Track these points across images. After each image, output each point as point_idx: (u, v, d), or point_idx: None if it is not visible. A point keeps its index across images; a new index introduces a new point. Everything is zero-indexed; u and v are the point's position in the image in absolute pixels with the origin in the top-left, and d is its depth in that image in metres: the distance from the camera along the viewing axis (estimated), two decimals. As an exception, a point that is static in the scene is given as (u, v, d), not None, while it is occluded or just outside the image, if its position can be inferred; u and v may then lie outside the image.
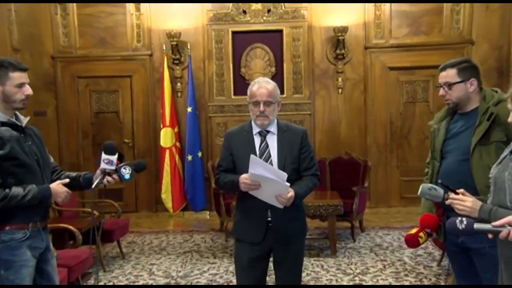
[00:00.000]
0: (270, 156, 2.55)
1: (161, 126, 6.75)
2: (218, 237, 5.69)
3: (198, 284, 4.17)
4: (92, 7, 6.99)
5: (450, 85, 2.33)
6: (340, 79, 6.96)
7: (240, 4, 6.87)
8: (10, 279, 2.25)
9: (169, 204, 6.77)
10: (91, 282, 4.18)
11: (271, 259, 2.65)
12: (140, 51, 7.07)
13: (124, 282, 4.27)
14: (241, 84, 7.00)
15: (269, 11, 6.88)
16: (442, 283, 4.06)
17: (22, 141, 2.33)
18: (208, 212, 6.87)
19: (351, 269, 4.44)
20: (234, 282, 2.74)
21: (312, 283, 4.11)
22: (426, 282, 4.08)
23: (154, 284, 4.21)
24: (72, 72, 7.08)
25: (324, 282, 4.14)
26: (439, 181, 2.13)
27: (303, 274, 4.18)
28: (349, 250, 5.03)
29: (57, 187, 2.37)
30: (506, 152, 1.92)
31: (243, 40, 6.98)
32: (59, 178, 2.48)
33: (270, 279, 3.25)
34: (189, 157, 6.62)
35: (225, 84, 7.00)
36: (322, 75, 7.02)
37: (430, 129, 2.52)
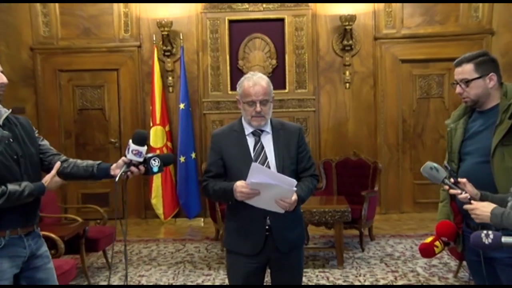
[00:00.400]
0: (266, 158, 2.54)
1: (151, 124, 6.75)
2: (214, 246, 5.69)
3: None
4: (75, -7, 7.00)
5: (467, 82, 2.33)
6: (347, 73, 6.97)
7: (237, -10, 6.91)
8: None
9: (159, 210, 6.78)
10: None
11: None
12: (127, 42, 7.07)
13: (111, 296, 4.26)
14: (239, 78, 6.97)
15: (269, -2, 6.91)
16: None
17: None
18: (202, 219, 6.88)
19: (359, 281, 4.45)
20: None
21: (317, 296, 4.11)
22: (441, 296, 4.08)
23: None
24: (53, 65, 7.08)
25: (330, 295, 4.14)
26: (446, 163, 2.19)
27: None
28: (357, 260, 5.04)
29: (51, 181, 2.38)
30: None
31: (240, 30, 6.99)
32: (63, 166, 2.48)
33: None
34: (182, 159, 6.62)
35: (221, 78, 7.00)
36: (328, 68, 7.03)
37: (446, 129, 2.52)
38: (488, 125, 2.33)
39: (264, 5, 6.90)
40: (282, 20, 6.95)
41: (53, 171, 2.40)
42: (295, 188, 2.39)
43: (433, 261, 4.90)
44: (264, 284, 2.66)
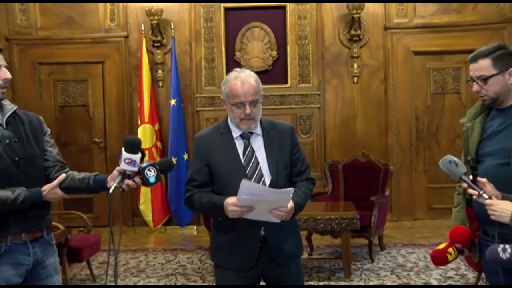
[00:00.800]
0: (258, 163, 2.52)
1: (139, 122, 6.77)
2: (208, 257, 5.71)
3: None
4: (55, -22, 7.01)
5: (485, 79, 2.32)
6: (355, 66, 6.98)
7: (234, -25, 6.92)
8: None
9: (148, 217, 6.79)
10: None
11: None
12: (113, 32, 7.08)
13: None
14: (236, 72, 7.02)
15: (269, -17, 6.93)
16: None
17: None
18: (195, 227, 6.89)
19: (368, 294, 4.46)
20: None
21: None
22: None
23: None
24: (32, 57, 7.09)
25: (336, 310, 4.15)
26: (468, 158, 2.23)
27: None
28: (366, 272, 5.05)
29: (50, 191, 2.40)
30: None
31: (238, 18, 7.01)
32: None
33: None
34: (173, 160, 6.63)
35: (216, 72, 7.01)
36: (334, 61, 7.05)
37: (462, 128, 2.53)
38: (508, 124, 2.34)
39: (264, -9, 6.93)
40: (283, 7, 6.96)
41: (55, 182, 2.42)
42: (291, 195, 2.39)
43: (449, 272, 4.92)
44: None
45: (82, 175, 2.51)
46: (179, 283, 4.89)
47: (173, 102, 6.68)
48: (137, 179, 2.31)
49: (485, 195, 2.13)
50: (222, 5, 6.93)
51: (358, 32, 6.87)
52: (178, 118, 6.70)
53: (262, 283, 2.64)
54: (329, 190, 6.02)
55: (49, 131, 2.61)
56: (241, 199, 2.35)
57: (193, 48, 7.03)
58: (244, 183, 2.33)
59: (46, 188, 2.40)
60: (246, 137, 2.56)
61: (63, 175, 2.44)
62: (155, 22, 6.81)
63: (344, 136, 7.06)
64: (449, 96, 7.06)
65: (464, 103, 6.92)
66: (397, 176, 6.84)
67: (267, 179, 2.51)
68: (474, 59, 2.36)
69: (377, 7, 6.96)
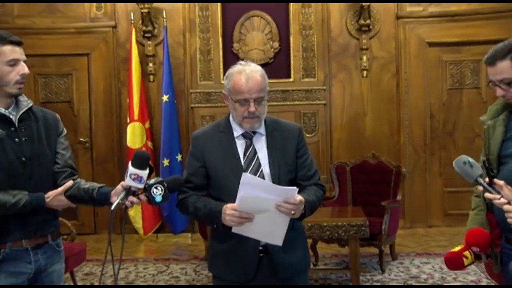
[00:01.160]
0: (260, 165, 2.51)
1: (128, 120, 6.76)
2: (203, 267, 5.70)
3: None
4: (36, -38, 7.00)
5: (509, 83, 2.29)
6: (364, 58, 6.98)
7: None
8: None
9: (138, 223, 6.78)
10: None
11: None
12: (100, 21, 7.08)
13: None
14: (234, 65, 7.01)
15: (270, -32, 6.93)
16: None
17: (9, 137, 2.39)
18: (190, 235, 6.89)
19: (379, 309, 4.46)
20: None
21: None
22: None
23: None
24: (9, 49, 7.07)
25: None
26: (484, 159, 2.22)
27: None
28: (376, 283, 5.05)
29: (54, 198, 2.41)
30: None
31: (236, 6, 7.01)
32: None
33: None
34: (165, 162, 6.63)
35: (212, 65, 7.01)
36: (341, 53, 7.04)
37: (483, 126, 2.52)
38: (534, 122, 2.33)
39: (265, -24, 6.93)
40: (286, -6, 6.98)
41: (60, 189, 2.43)
42: (296, 188, 2.36)
43: (468, 284, 4.91)
44: None
45: (88, 185, 2.53)
46: (171, 296, 4.88)
47: (165, 98, 6.68)
48: (142, 196, 2.33)
49: (503, 200, 2.13)
50: (219, -8, 6.95)
51: (368, 21, 6.87)
52: (171, 116, 6.69)
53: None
54: (336, 194, 6.01)
55: (65, 131, 2.64)
56: (241, 198, 2.34)
57: (187, 39, 7.03)
58: (246, 176, 2.34)
59: (50, 194, 2.43)
60: (249, 136, 2.56)
61: (70, 182, 2.46)
62: (146, 10, 6.81)
63: (352, 136, 7.05)
64: (467, 91, 7.06)
65: (484, 99, 6.91)
66: (410, 179, 6.85)
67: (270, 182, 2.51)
68: (492, 62, 2.31)
69: (389, -6, 6.96)
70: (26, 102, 2.48)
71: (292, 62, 6.98)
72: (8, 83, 2.38)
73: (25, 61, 2.44)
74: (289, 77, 6.99)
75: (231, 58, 6.98)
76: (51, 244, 2.54)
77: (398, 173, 5.83)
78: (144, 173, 2.29)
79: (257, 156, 2.53)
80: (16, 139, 2.41)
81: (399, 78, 7.04)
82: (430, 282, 5.06)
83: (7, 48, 2.37)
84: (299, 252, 2.59)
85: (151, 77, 7.04)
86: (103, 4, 7.05)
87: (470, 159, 2.20)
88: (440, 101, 7.10)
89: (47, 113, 2.60)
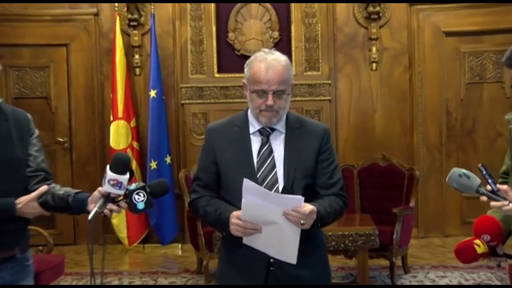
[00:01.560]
0: (274, 166, 2.52)
1: (112, 118, 6.76)
2: (195, 281, 5.70)
3: None
4: None
5: None
6: (373, 49, 6.97)
7: None
8: None
9: (123, 233, 6.77)
10: None
11: None
12: (80, 8, 7.07)
13: None
14: (229, 57, 6.99)
15: (269, -51, 6.92)
16: None
17: None
18: (180, 246, 6.88)
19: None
20: None
21: None
22: None
23: None
24: (-22, 38, 7.07)
25: None
26: (480, 165, 2.24)
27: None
28: (387, 299, 5.05)
29: (26, 205, 2.38)
30: None
31: (231, -8, 7.01)
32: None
33: None
34: (153, 164, 6.62)
35: (205, 57, 7.01)
36: (348, 44, 7.04)
37: (508, 126, 2.51)
38: None
39: (263, -42, 6.93)
40: (286, -21, 6.97)
41: (33, 194, 2.41)
42: (301, 197, 2.34)
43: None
44: None
45: (63, 190, 2.50)
46: (159, 314, 4.87)
47: (152, 93, 6.66)
48: (122, 203, 2.31)
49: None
50: (212, -25, 6.94)
51: (377, 8, 6.87)
52: (159, 113, 6.68)
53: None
54: (342, 200, 5.99)
55: (36, 132, 2.62)
56: (243, 206, 2.34)
57: (177, 28, 7.02)
58: (247, 182, 2.33)
59: (21, 200, 2.40)
60: (266, 133, 2.56)
61: (44, 187, 2.43)
62: (131, -4, 6.82)
63: (360, 135, 7.05)
64: (488, 86, 7.05)
65: (507, 94, 6.91)
66: (424, 183, 6.85)
67: (281, 187, 2.51)
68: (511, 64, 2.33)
69: (401, -22, 6.96)
70: None
71: (293, 53, 6.96)
72: None
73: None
74: (290, 70, 6.97)
75: (225, 49, 6.98)
76: (18, 258, 2.50)
77: (411, 176, 5.83)
78: (124, 178, 2.27)
79: (273, 156, 2.53)
80: None
81: (412, 72, 7.03)
82: (446, 297, 5.06)
83: None
84: (316, 270, 2.57)
85: (137, 70, 7.03)
86: (83, -11, 7.05)
87: (464, 170, 2.23)
88: (458, 97, 7.09)
89: (19, 112, 2.58)
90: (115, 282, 5.75)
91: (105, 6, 7.01)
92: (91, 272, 2.29)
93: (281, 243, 2.40)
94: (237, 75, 6.85)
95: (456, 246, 2.41)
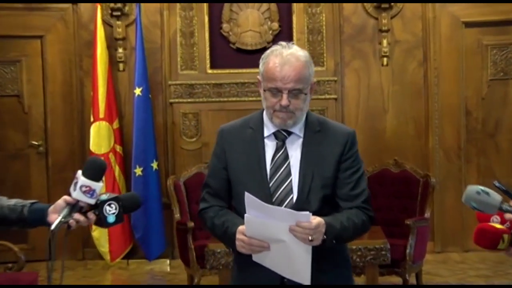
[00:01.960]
0: (289, 174, 2.51)
1: (92, 119, 6.74)
2: (185, 301, 5.68)
3: None
4: None
5: None
6: (384, 42, 6.97)
7: None
8: None
9: (104, 247, 6.75)
10: None
11: None
12: (57, -5, 7.05)
13: None
14: (223, 50, 6.98)
15: None
16: None
17: None
18: (168, 261, 6.87)
19: None
20: None
21: None
22: None
23: None
24: None
25: None
26: (495, 182, 2.22)
27: None
28: (400, 322, 5.03)
29: None
30: None
31: (226, -22, 7.01)
32: None
33: None
34: (138, 170, 6.61)
35: (196, 50, 7.00)
36: (356, 36, 7.04)
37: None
38: None
39: None
40: (287, -37, 6.97)
41: None
42: (310, 214, 2.31)
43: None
44: None
45: (14, 201, 2.44)
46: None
47: (138, 91, 6.66)
48: (91, 214, 2.27)
49: None
50: (205, -40, 6.94)
51: (389, -4, 6.88)
52: (145, 113, 6.67)
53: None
54: (350, 210, 5.99)
55: None
56: (246, 222, 2.35)
57: (166, 18, 7.01)
58: (248, 197, 2.33)
59: None
60: (281, 137, 2.56)
61: None
62: (114, -17, 6.82)
63: (370, 138, 7.03)
64: (513, 83, 7.06)
65: (535, 92, 6.93)
66: (441, 191, 6.84)
67: (296, 197, 2.50)
68: None
69: (414, -37, 6.96)
70: None
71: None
72: None
73: None
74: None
75: (219, 42, 6.97)
76: None
77: (426, 184, 5.82)
78: (98, 185, 2.23)
79: (288, 162, 2.53)
80: None
81: (428, 67, 7.03)
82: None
83: None
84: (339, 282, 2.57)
85: (121, 66, 7.02)
86: (60, -26, 7.04)
87: (482, 187, 2.20)
88: (479, 95, 7.09)
89: None
90: (95, 303, 5.73)
91: (85, -7, 7.01)
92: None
93: (291, 262, 2.39)
94: (232, 71, 6.87)
95: (481, 225, 2.39)
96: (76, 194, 2.23)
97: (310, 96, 2.57)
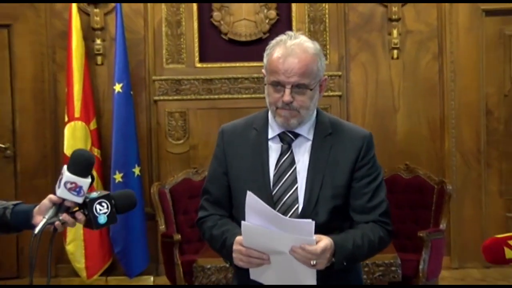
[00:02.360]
0: (295, 181, 2.51)
1: (66, 118, 6.74)
2: (171, 323, 5.68)
3: None
4: None
5: None
6: (394, 33, 6.98)
7: None
8: None
9: (80, 263, 6.74)
10: None
11: None
12: (27, -20, 7.05)
13: None
14: (214, 42, 6.98)
15: None
16: None
17: None
18: (152, 278, 6.88)
19: None
20: None
21: None
22: None
23: None
24: None
25: None
26: None
27: None
28: None
29: None
30: None
31: (217, -39, 7.02)
32: None
33: None
34: (118, 176, 6.61)
35: (183, 42, 7.01)
36: (363, 26, 7.06)
37: None
38: None
39: None
40: None
41: None
42: (313, 229, 2.29)
43: None
44: None
45: None
46: None
47: (118, 87, 6.65)
48: (79, 215, 2.27)
49: None
50: None
51: (399, -19, 6.90)
52: (126, 112, 6.67)
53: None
54: (356, 221, 6.00)
55: None
56: (243, 229, 2.32)
57: (149, 6, 7.02)
58: (250, 196, 2.32)
59: None
60: (287, 139, 2.56)
61: None
62: (91, -35, 6.82)
63: (378, 140, 6.93)
64: (540, 78, 7.09)
65: None
66: (458, 200, 6.87)
67: (301, 207, 2.50)
68: None
69: None
70: None
71: (294, 38, 6.96)
72: None
73: None
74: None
75: (209, 32, 6.97)
76: None
77: (442, 191, 5.83)
78: (85, 181, 2.23)
79: (294, 168, 2.53)
80: None
81: (443, 61, 7.05)
82: None
83: None
84: None
85: (99, 59, 7.03)
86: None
87: None
88: (501, 92, 7.11)
89: None
90: (70, 325, 5.73)
91: (58, -22, 7.01)
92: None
93: (294, 276, 2.39)
94: (223, 64, 6.86)
95: (484, 242, 2.41)
96: (61, 191, 2.22)
97: (319, 94, 2.56)
